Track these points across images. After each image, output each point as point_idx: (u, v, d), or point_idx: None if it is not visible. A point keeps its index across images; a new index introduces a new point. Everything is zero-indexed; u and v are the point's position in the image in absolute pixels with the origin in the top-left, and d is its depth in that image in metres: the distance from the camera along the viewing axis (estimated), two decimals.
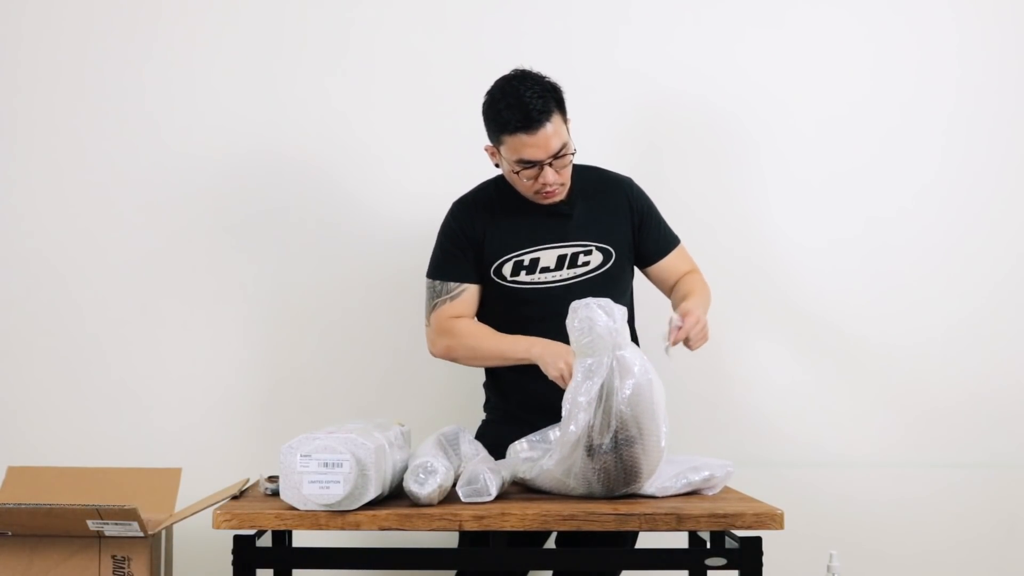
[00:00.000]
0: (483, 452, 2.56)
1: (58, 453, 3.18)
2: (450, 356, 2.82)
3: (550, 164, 2.68)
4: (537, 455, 2.50)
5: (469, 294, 2.81)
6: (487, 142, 2.76)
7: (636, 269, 2.94)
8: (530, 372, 2.66)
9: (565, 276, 2.79)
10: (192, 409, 3.33)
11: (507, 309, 2.81)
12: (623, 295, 2.85)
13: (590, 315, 2.31)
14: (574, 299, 2.44)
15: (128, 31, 3.36)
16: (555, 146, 2.67)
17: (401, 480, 2.39)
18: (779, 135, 3.40)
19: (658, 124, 3.40)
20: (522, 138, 2.65)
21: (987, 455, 3.37)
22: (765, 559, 2.26)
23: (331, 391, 3.33)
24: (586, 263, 2.81)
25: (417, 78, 3.36)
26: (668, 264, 2.92)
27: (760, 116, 3.39)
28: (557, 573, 2.90)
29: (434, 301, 2.82)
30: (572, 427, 2.30)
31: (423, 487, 2.26)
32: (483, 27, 3.37)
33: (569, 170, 2.74)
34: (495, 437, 2.76)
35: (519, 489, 2.47)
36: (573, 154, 2.72)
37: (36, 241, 3.35)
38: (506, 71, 2.73)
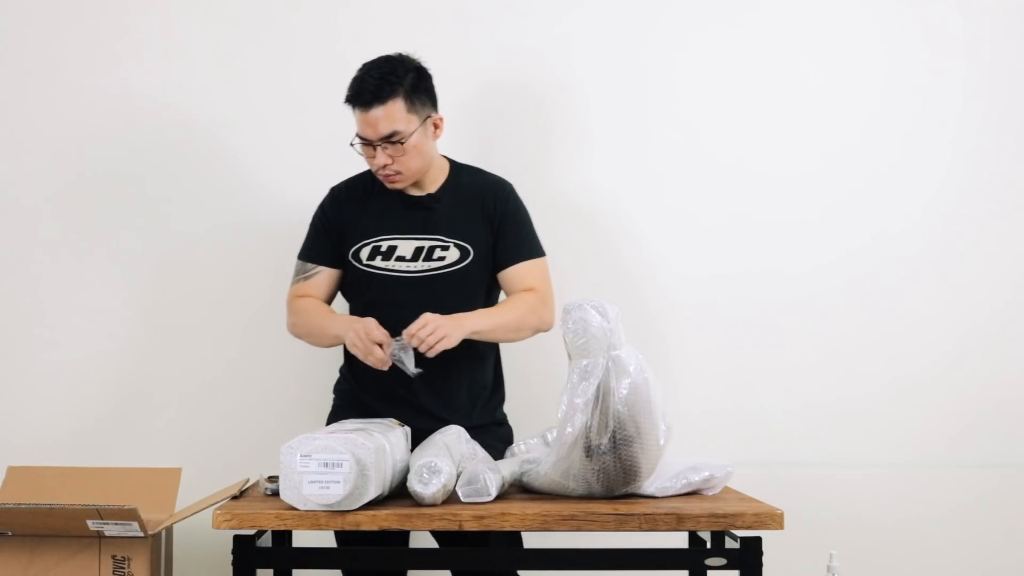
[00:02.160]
0: (482, 452, 2.56)
1: (58, 453, 3.18)
2: (295, 333, 2.91)
3: (383, 146, 2.73)
4: (535, 457, 2.50)
5: (323, 277, 2.88)
6: None
7: None
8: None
9: (420, 268, 2.81)
10: (192, 409, 3.33)
11: (359, 292, 2.87)
12: (477, 296, 2.84)
13: (584, 316, 2.30)
14: (424, 292, 2.65)
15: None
16: (383, 130, 2.72)
17: (401, 480, 2.40)
18: (791, 136, 3.40)
19: (651, 124, 3.41)
20: (360, 114, 2.73)
21: (987, 455, 3.37)
22: (765, 559, 2.26)
23: (331, 391, 3.32)
24: (442, 258, 2.82)
25: None
26: (514, 273, 2.85)
27: (776, 118, 3.40)
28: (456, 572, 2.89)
29: (293, 280, 2.92)
30: (569, 428, 2.30)
31: (427, 487, 2.26)
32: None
33: (409, 160, 2.76)
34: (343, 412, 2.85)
35: (519, 489, 2.47)
36: (411, 148, 2.73)
37: (36, 241, 3.35)
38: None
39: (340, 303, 2.99)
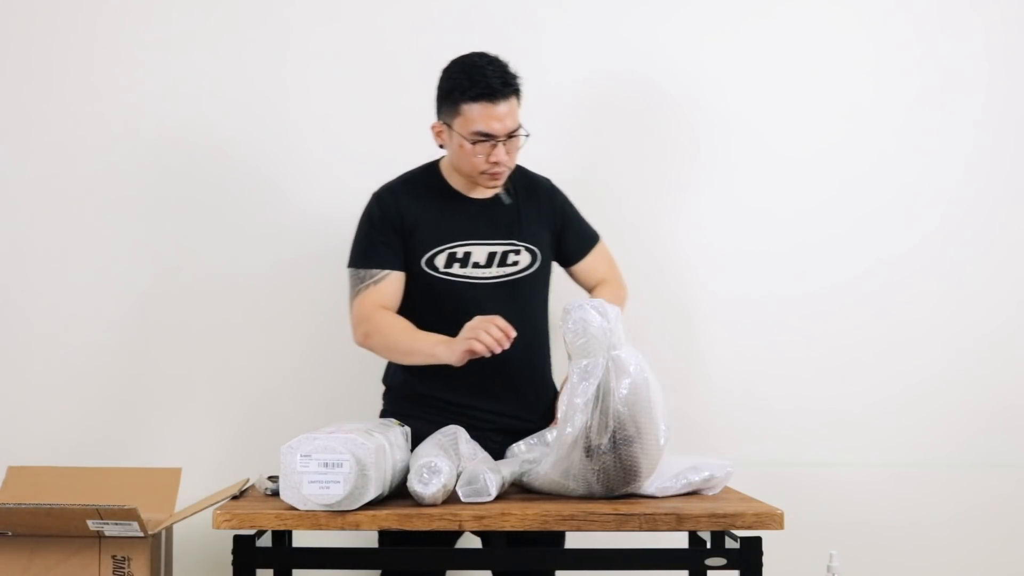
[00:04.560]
0: (482, 452, 2.56)
1: (58, 453, 3.18)
2: (367, 345, 2.75)
3: (504, 142, 2.67)
4: (534, 457, 2.50)
5: (392, 280, 2.74)
6: (436, 120, 2.73)
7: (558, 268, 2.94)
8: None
9: (495, 274, 2.77)
10: (192, 409, 3.33)
11: (431, 301, 2.76)
12: (542, 300, 2.85)
13: (584, 316, 2.30)
14: (501, 297, 2.55)
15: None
16: (511, 124, 2.66)
17: (401, 480, 2.40)
18: (792, 132, 3.40)
19: (656, 121, 3.41)
20: (484, 107, 2.63)
21: (987, 456, 3.37)
22: (765, 559, 2.26)
23: (331, 391, 3.33)
24: (515, 263, 2.79)
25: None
26: (588, 263, 2.92)
27: (772, 113, 3.40)
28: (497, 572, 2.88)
29: (356, 288, 2.76)
30: (569, 429, 2.30)
31: (427, 487, 2.26)
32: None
33: (517, 156, 2.73)
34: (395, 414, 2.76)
35: (519, 489, 2.47)
36: (527, 136, 2.71)
37: (36, 241, 3.35)
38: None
39: None
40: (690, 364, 3.33)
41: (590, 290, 2.94)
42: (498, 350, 2.52)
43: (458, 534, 2.70)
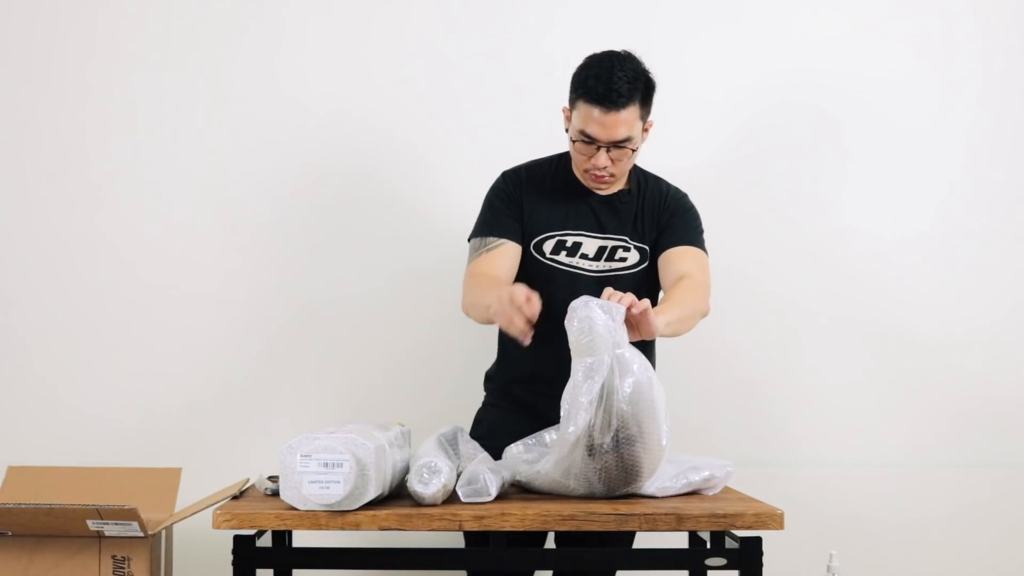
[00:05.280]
0: (482, 453, 2.56)
1: (58, 453, 3.18)
2: (464, 308, 2.70)
3: (607, 149, 2.65)
4: (534, 457, 2.50)
5: (506, 249, 2.73)
6: (565, 104, 2.71)
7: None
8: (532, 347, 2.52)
9: (602, 268, 2.77)
10: (192, 409, 3.33)
11: (535, 286, 2.64)
12: (650, 300, 2.81)
13: (589, 314, 2.30)
14: (596, 292, 2.40)
15: (142, 27, 3.36)
16: (619, 134, 2.63)
17: (401, 480, 2.40)
18: (791, 132, 3.41)
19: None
20: (593, 111, 2.61)
21: (987, 455, 3.37)
22: (765, 559, 2.26)
23: (331, 391, 3.33)
24: (623, 259, 2.78)
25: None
26: (673, 254, 2.76)
27: (771, 112, 3.40)
28: (557, 572, 2.90)
29: (471, 257, 2.76)
30: (571, 427, 2.29)
31: (427, 487, 2.26)
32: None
33: (625, 164, 2.70)
34: (492, 423, 2.78)
35: (519, 489, 2.47)
36: (635, 151, 2.68)
37: (37, 241, 3.35)
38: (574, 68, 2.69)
39: None
40: (690, 364, 3.33)
41: (668, 289, 2.73)
42: (511, 330, 2.41)
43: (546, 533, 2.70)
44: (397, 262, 3.33)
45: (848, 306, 3.39)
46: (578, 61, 2.67)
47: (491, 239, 2.75)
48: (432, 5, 3.38)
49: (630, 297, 2.35)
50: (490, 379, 2.94)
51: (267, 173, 3.36)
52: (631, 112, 2.62)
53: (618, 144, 2.64)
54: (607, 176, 2.70)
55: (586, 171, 2.71)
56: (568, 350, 2.32)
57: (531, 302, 2.37)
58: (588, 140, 2.65)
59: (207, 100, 3.36)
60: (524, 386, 2.81)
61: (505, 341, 2.80)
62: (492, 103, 3.35)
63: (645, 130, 2.71)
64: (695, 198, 2.83)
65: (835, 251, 3.39)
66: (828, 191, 3.40)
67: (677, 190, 2.87)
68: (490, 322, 2.57)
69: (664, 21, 3.40)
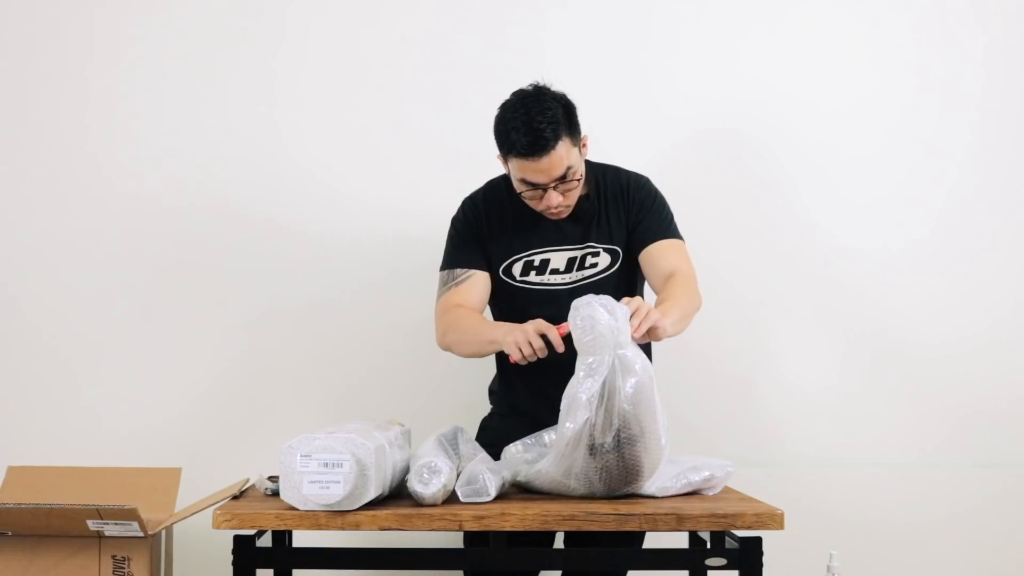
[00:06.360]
0: (482, 452, 2.56)
1: (58, 453, 3.18)
2: (446, 343, 2.75)
3: (554, 187, 2.65)
4: (533, 457, 2.50)
5: (476, 280, 2.77)
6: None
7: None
8: (534, 366, 2.56)
9: (574, 278, 2.78)
10: (192, 409, 3.33)
11: (513, 310, 2.78)
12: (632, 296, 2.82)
13: (592, 313, 2.30)
14: None
15: (142, 27, 3.37)
16: (558, 172, 2.63)
17: (401, 480, 2.40)
18: (788, 131, 3.41)
19: (676, 125, 3.42)
20: (526, 163, 2.61)
21: (988, 455, 3.37)
22: (765, 559, 2.26)
23: (330, 391, 3.33)
24: (594, 264, 2.79)
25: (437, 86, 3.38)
26: (655, 251, 2.76)
27: (768, 111, 3.40)
28: (566, 573, 2.90)
29: (440, 291, 2.80)
30: (569, 424, 2.29)
31: (427, 487, 2.26)
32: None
33: (575, 192, 2.70)
34: (498, 429, 2.79)
35: (519, 489, 2.47)
36: (580, 178, 2.68)
37: (37, 241, 3.35)
38: (524, 80, 2.69)
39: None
40: (691, 364, 3.33)
41: (660, 286, 2.74)
42: (534, 359, 2.48)
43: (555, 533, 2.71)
44: (397, 262, 3.33)
45: (851, 308, 3.38)
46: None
47: (459, 270, 2.78)
48: (432, 5, 3.38)
49: (645, 310, 2.36)
50: (494, 393, 2.97)
51: (267, 173, 3.36)
52: (563, 146, 2.61)
53: (562, 179, 2.64)
54: (564, 209, 2.71)
55: (544, 212, 2.71)
56: (567, 371, 2.34)
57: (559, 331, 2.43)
58: (532, 186, 2.65)
59: (207, 100, 3.36)
60: (528, 402, 2.82)
61: (506, 365, 2.83)
62: (492, 103, 3.34)
63: (584, 146, 2.71)
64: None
65: (838, 255, 3.38)
66: (835, 195, 3.39)
67: (637, 177, 2.85)
68: (479, 355, 2.67)
69: (662, 19, 3.40)
